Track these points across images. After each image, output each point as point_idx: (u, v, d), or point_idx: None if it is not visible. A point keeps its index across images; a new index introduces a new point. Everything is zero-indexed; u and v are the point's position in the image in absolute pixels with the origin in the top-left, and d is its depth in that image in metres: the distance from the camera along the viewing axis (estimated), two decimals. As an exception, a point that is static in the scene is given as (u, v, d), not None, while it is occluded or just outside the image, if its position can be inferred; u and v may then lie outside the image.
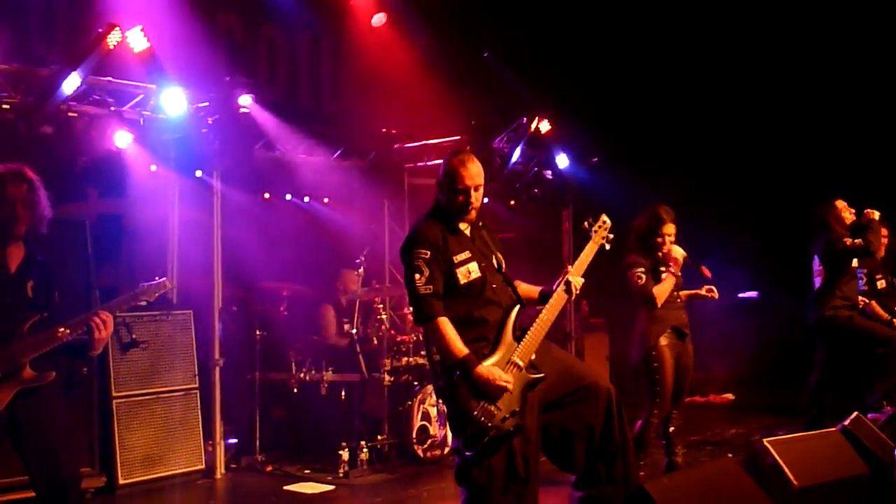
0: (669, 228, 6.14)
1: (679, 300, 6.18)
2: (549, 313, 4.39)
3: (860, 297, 7.60)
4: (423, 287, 4.24)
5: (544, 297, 4.52)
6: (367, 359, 7.54)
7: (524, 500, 4.23)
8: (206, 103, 7.39)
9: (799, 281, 8.69)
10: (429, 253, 4.27)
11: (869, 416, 6.19)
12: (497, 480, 4.16)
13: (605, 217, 4.77)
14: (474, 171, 4.38)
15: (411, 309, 4.44)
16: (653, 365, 5.99)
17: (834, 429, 5.49)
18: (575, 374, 4.48)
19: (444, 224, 4.39)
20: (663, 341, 6.01)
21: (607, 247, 4.73)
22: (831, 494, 4.85)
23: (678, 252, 6.12)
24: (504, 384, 4.11)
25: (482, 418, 4.11)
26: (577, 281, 4.48)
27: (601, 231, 4.72)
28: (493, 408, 4.11)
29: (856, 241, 7.05)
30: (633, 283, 6.02)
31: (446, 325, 4.22)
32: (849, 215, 7.27)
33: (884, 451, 5.45)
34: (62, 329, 4.22)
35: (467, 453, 4.19)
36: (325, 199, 9.62)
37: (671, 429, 6.19)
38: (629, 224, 6.18)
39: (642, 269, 6.04)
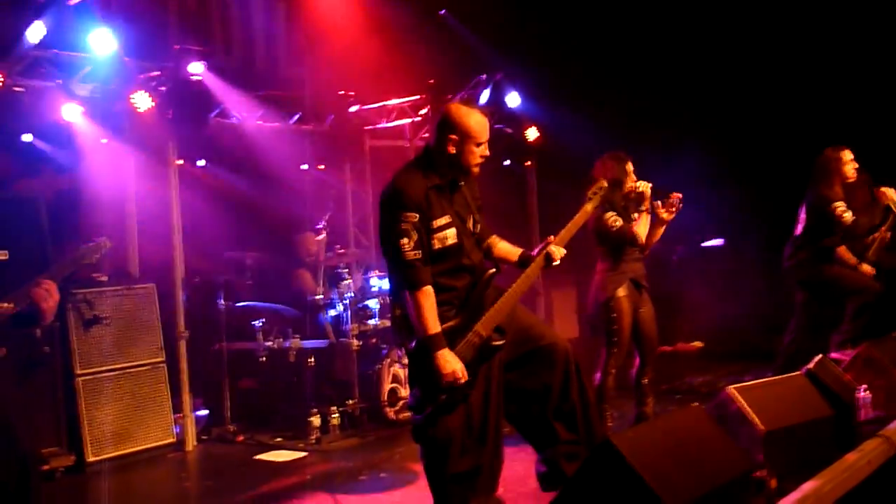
0: (630, 167, 6.01)
1: (637, 252, 6.11)
2: (522, 284, 4.32)
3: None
4: (411, 253, 4.08)
5: (524, 262, 4.44)
6: (334, 324, 7.52)
7: (482, 460, 4.21)
8: (158, 73, 7.25)
9: (766, 225, 8.71)
10: (416, 216, 4.09)
11: (832, 355, 6.24)
12: (455, 440, 4.15)
13: (604, 182, 4.69)
14: (486, 123, 4.28)
15: (395, 272, 4.22)
16: (611, 315, 5.92)
17: (798, 372, 5.54)
18: (534, 333, 4.44)
19: (431, 182, 4.20)
20: (621, 292, 5.94)
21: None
22: (796, 437, 4.91)
23: (645, 186, 5.96)
24: (455, 376, 4.05)
25: (434, 384, 4.09)
26: (559, 252, 4.39)
27: (597, 198, 4.63)
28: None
29: (846, 216, 6.97)
30: (610, 228, 5.85)
31: (428, 297, 4.10)
32: (851, 170, 7.13)
33: (847, 392, 5.52)
34: (4, 304, 4.08)
35: (415, 416, 4.19)
36: (286, 165, 9.49)
37: (645, 380, 6.18)
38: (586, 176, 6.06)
39: (614, 214, 5.87)
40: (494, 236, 4.57)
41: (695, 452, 4.16)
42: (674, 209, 5.87)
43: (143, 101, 6.96)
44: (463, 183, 4.37)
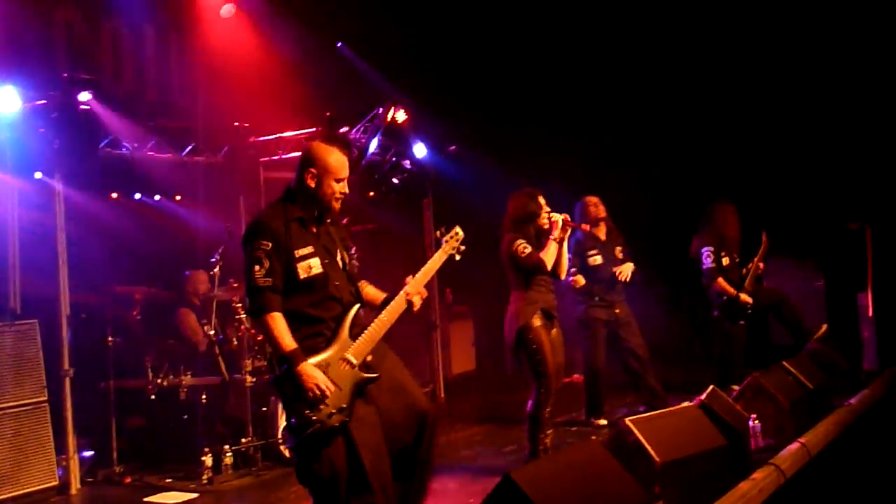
0: (542, 200, 6.30)
1: (548, 283, 6.26)
2: (389, 315, 4.41)
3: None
4: (261, 279, 4.20)
5: (386, 305, 4.49)
6: (228, 360, 7.33)
7: (376, 500, 4.17)
8: (44, 101, 7.01)
9: (654, 261, 8.93)
10: (270, 244, 4.22)
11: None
12: (340, 479, 4.15)
13: (458, 229, 4.78)
14: (345, 161, 4.41)
15: (249, 300, 4.33)
16: (532, 346, 6.07)
17: (692, 403, 5.65)
18: (409, 395, 4.47)
19: (292, 215, 4.33)
20: (536, 322, 6.10)
21: (457, 257, 4.74)
22: (692, 467, 4.98)
23: (557, 216, 6.24)
24: (319, 388, 4.09)
25: (307, 411, 4.11)
26: (417, 299, 4.46)
27: (452, 241, 4.73)
28: (319, 403, 4.11)
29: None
30: (519, 255, 6.09)
31: (277, 320, 4.18)
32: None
33: (739, 422, 5.64)
34: None
35: (288, 444, 4.17)
36: (178, 197, 9.29)
37: (547, 411, 6.24)
38: (491, 211, 6.23)
39: (524, 242, 6.13)
40: (363, 281, 4.67)
41: (594, 487, 4.19)
42: (567, 227, 6.28)
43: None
44: (329, 221, 4.50)
